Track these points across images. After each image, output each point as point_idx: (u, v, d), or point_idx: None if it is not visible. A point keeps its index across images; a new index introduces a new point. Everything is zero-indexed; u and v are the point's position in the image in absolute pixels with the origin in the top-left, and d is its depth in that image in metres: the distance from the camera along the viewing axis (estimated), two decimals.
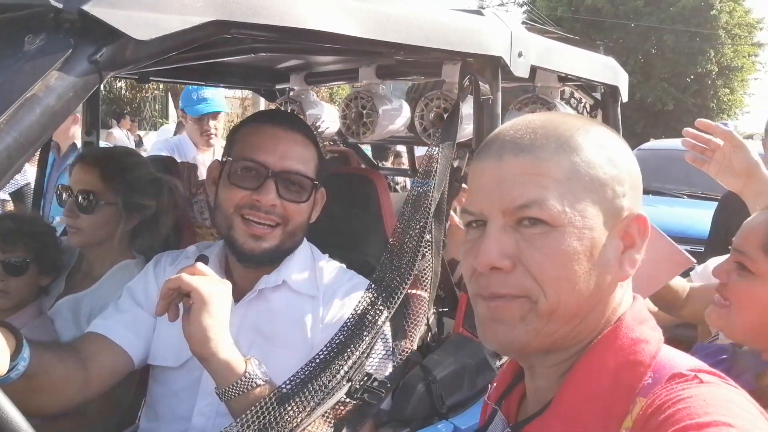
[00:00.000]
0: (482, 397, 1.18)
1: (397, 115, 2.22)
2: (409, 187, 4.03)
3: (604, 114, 2.24)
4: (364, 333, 1.27)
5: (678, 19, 24.05)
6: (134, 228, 1.84)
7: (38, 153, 2.33)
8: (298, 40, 1.22)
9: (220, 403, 1.26)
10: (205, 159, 3.45)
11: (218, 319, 1.21)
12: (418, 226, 1.39)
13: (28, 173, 3.80)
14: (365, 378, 1.27)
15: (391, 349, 1.37)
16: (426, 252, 1.43)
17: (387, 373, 1.33)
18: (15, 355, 1.12)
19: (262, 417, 1.12)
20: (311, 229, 1.53)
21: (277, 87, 2.59)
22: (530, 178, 0.77)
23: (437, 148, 1.45)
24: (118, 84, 15.94)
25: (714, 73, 25.25)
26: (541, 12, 24.98)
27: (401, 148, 5.24)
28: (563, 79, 2.11)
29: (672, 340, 0.84)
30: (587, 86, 2.23)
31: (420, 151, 3.39)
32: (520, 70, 1.62)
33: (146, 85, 13.62)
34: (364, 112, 2.14)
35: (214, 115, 3.57)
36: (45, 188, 2.44)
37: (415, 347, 1.41)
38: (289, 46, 1.58)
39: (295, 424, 1.14)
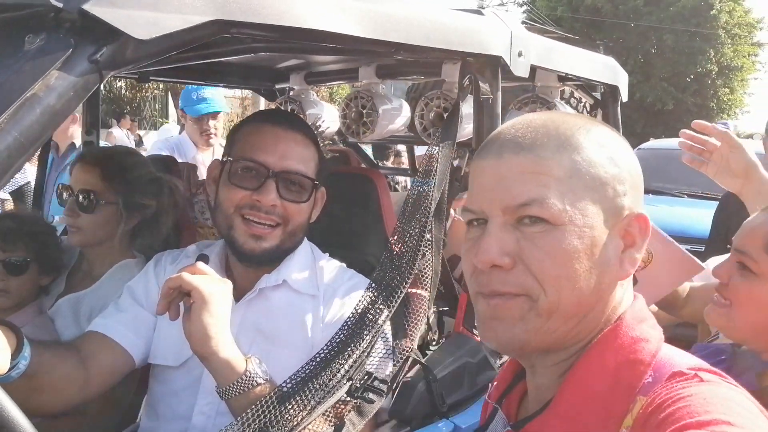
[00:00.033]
0: (483, 395, 1.18)
1: (397, 114, 2.22)
2: (409, 186, 4.03)
3: (603, 114, 2.24)
4: (365, 332, 1.27)
5: (678, 18, 24.06)
6: (134, 227, 1.84)
7: (38, 152, 2.33)
8: (298, 40, 1.22)
9: (220, 402, 1.26)
10: (205, 159, 3.45)
11: (219, 318, 1.21)
12: (418, 226, 1.39)
13: (28, 172, 3.81)
14: (366, 377, 1.27)
15: (391, 348, 1.37)
16: (426, 251, 1.43)
17: (387, 372, 1.33)
18: (16, 354, 1.12)
19: (262, 416, 1.12)
20: (311, 229, 1.53)
21: (277, 86, 2.59)
22: (531, 177, 0.77)
23: (437, 148, 1.45)
24: (118, 83, 15.92)
25: (714, 72, 25.26)
26: (540, 12, 24.98)
27: (401, 148, 5.24)
28: (563, 78, 2.11)
29: (672, 339, 0.84)
30: (587, 86, 2.23)
31: (420, 150, 3.39)
32: (520, 70, 1.62)
33: (146, 85, 13.61)
34: (364, 111, 2.13)
35: (214, 114, 3.58)
36: (45, 187, 2.44)
37: (415, 346, 1.41)
38: (288, 46, 1.57)
39: (295, 423, 1.14)
